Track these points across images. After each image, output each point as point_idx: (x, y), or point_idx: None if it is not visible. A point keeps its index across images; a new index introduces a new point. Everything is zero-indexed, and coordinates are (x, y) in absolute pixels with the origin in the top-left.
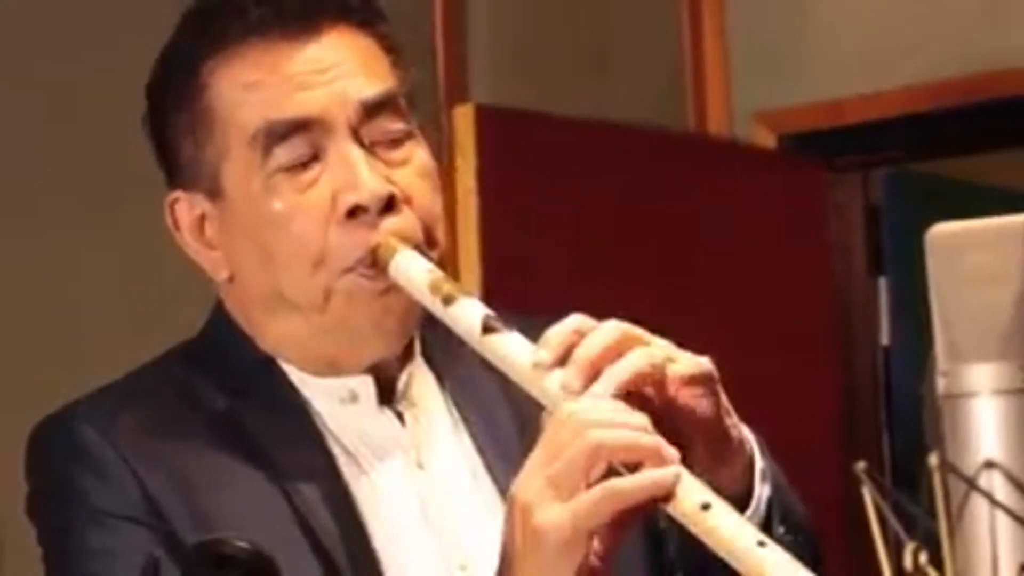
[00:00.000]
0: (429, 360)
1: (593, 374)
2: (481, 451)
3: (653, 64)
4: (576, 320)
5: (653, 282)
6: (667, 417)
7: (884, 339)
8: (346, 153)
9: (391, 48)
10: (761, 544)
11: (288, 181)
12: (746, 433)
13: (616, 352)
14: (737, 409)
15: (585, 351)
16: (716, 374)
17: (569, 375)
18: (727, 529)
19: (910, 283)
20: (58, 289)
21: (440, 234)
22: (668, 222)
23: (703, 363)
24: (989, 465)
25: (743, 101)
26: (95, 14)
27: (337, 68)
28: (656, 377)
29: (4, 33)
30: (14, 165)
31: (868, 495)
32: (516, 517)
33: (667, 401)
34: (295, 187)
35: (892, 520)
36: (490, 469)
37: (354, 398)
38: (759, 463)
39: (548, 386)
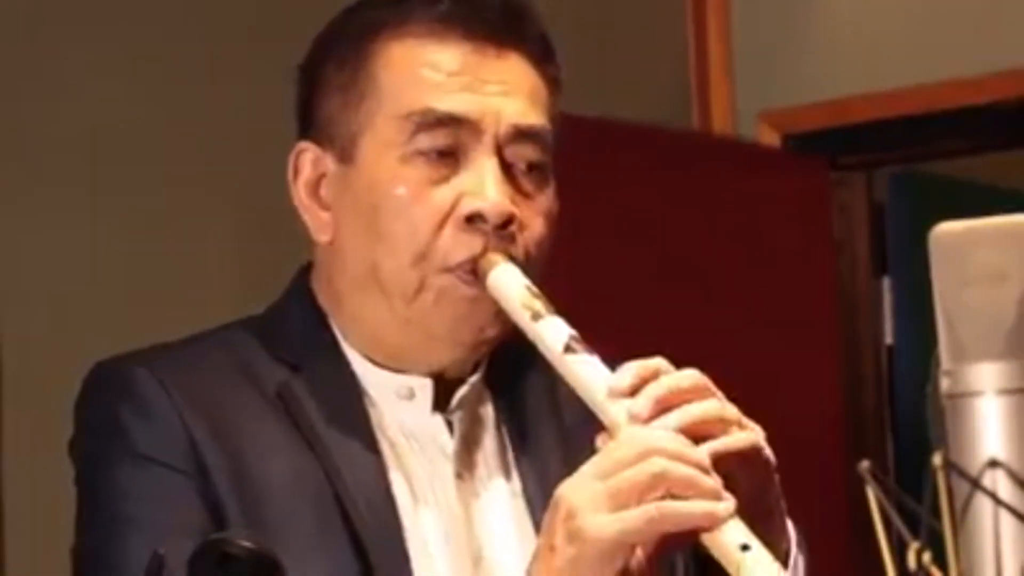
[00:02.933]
0: (491, 383)
1: (661, 409)
2: (523, 477)
3: (657, 63)
4: (659, 360)
5: (657, 281)
6: (717, 462)
7: (888, 338)
8: (484, 162)
9: (555, 91)
10: None
11: (422, 167)
12: (789, 526)
13: (688, 396)
14: (739, 409)
15: (659, 386)
16: (772, 459)
17: (639, 404)
18: (761, 573)
19: (914, 283)
20: (69, 285)
21: (536, 273)
22: (672, 222)
23: (760, 442)
24: (993, 464)
25: (747, 100)
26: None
27: (504, 86)
28: (720, 429)
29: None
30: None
31: (872, 494)
32: (559, 515)
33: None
34: (426, 177)
35: (896, 519)
36: (528, 497)
37: (411, 396)
38: (794, 550)
39: (616, 412)
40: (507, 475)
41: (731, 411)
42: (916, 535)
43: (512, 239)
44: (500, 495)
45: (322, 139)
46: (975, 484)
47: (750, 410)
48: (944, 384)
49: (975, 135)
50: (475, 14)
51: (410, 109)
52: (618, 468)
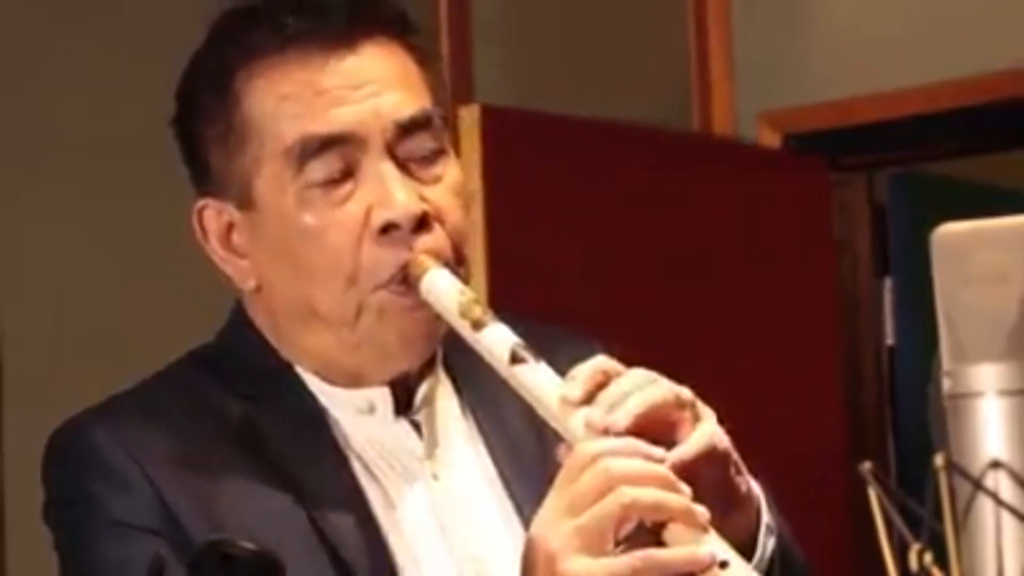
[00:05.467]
0: (448, 369)
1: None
2: (497, 462)
3: (658, 64)
4: (603, 360)
5: (658, 282)
6: (678, 470)
7: (889, 339)
8: (380, 170)
9: (425, 61)
10: None
11: (322, 196)
12: (754, 487)
13: None
14: (741, 411)
15: (612, 393)
16: (727, 443)
17: (595, 414)
18: None
19: (915, 283)
20: (73, 287)
21: (467, 251)
22: (674, 222)
23: (714, 436)
24: (994, 465)
25: (748, 101)
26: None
27: (373, 84)
28: (676, 414)
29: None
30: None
31: (873, 495)
32: (539, 561)
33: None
34: (329, 202)
35: (897, 520)
36: (505, 480)
37: (371, 409)
38: (765, 517)
39: (573, 423)
40: (481, 464)
41: (686, 395)
42: (918, 536)
43: (432, 235)
44: (478, 486)
45: (218, 191)
46: (977, 485)
47: (752, 411)
48: (945, 385)
49: (976, 135)
50: (320, 21)
51: (289, 142)
52: (586, 502)
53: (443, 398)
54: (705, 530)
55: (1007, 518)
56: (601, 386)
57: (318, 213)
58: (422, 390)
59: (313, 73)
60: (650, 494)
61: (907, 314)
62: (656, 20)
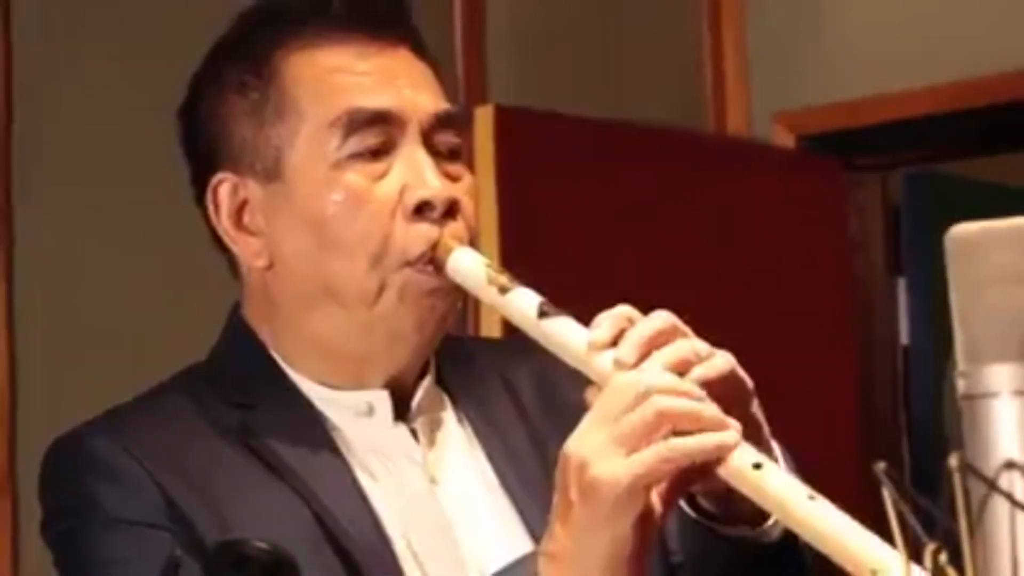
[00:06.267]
0: (443, 383)
1: (645, 353)
2: (495, 466)
3: (672, 64)
4: (627, 308)
5: (671, 282)
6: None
7: (903, 339)
8: (417, 153)
9: (441, 80)
10: (811, 498)
11: (360, 170)
12: (776, 448)
13: (666, 337)
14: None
15: (638, 332)
16: (750, 384)
17: (623, 352)
18: (778, 485)
19: (929, 283)
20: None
21: (477, 250)
22: (688, 223)
23: (732, 363)
24: (1009, 465)
25: (762, 102)
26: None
27: (409, 77)
28: (696, 363)
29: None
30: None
31: (887, 495)
32: (570, 472)
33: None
34: (366, 175)
35: (912, 521)
36: (505, 484)
37: (370, 411)
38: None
39: (602, 363)
40: (479, 470)
41: (701, 345)
42: (932, 536)
43: (457, 223)
44: (477, 492)
45: (239, 166)
46: (991, 486)
47: (766, 410)
48: (960, 385)
49: (991, 135)
50: (363, 12)
51: (336, 114)
52: (620, 413)
53: (438, 408)
54: (737, 441)
55: (1022, 518)
56: (625, 330)
57: (353, 188)
58: (418, 397)
59: (357, 56)
60: (682, 403)
61: (921, 314)
62: (670, 21)
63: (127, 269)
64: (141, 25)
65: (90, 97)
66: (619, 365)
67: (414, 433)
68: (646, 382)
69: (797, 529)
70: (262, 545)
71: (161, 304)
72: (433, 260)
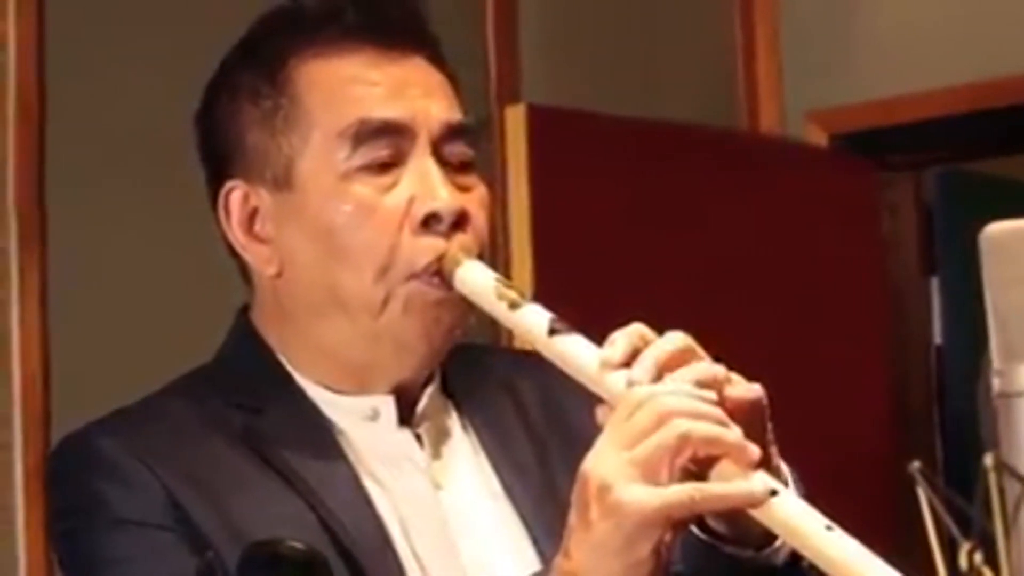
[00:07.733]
0: (448, 393)
1: (659, 374)
2: (500, 474)
3: (705, 63)
4: (640, 326)
5: (705, 282)
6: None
7: (937, 338)
8: (426, 164)
9: (457, 90)
10: (829, 528)
11: (368, 180)
12: (784, 468)
13: (681, 359)
14: (790, 409)
15: (653, 353)
16: (766, 403)
17: (637, 372)
18: (795, 514)
19: (963, 282)
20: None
21: (486, 263)
22: (720, 221)
23: (756, 389)
24: None
25: (795, 100)
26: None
27: (421, 87)
28: (714, 389)
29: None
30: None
31: (923, 495)
32: (591, 490)
33: None
34: (375, 187)
35: (947, 520)
36: (511, 495)
37: (375, 416)
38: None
39: (614, 383)
40: (483, 477)
41: (719, 370)
42: (967, 535)
43: (466, 235)
44: (481, 499)
45: (251, 174)
46: None
47: (800, 410)
48: (995, 384)
49: (1023, 133)
50: (378, 21)
51: (346, 124)
52: (640, 435)
53: (443, 415)
54: (755, 468)
55: None
56: (639, 350)
57: (361, 198)
58: (423, 403)
59: (369, 66)
60: (705, 427)
61: (955, 313)
62: (703, 19)
63: (158, 266)
64: (173, 26)
65: (122, 98)
66: (633, 386)
67: (419, 439)
68: (667, 403)
69: (815, 560)
70: (297, 545)
71: (192, 299)
72: (440, 272)
